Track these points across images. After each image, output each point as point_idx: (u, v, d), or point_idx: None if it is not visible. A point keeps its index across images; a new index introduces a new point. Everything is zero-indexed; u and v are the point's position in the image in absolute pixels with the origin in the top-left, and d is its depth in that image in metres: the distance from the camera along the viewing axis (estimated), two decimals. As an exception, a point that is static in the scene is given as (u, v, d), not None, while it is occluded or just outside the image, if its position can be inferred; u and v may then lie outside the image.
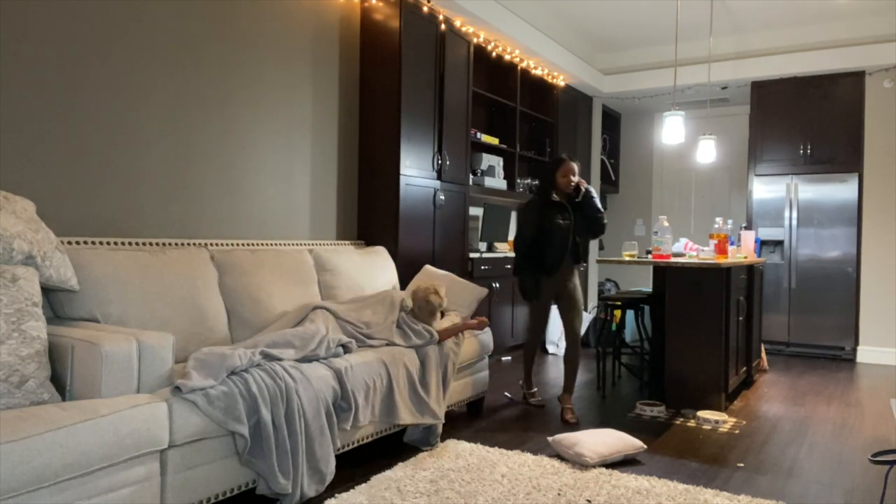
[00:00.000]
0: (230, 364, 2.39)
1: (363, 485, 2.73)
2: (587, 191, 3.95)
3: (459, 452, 3.15)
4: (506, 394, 4.42)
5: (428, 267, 4.25)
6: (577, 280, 4.04)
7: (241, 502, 2.54)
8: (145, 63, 3.21)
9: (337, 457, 2.74)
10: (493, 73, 6.10)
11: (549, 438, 3.24)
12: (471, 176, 5.42)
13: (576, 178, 3.92)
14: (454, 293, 3.93)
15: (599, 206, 3.97)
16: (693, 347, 4.09)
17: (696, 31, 6.29)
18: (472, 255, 5.23)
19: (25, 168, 2.74)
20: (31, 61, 2.76)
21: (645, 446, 3.18)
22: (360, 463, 3.02)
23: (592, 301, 7.48)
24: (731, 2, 5.75)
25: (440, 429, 3.28)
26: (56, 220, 2.80)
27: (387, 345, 3.21)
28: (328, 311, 3.17)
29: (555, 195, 3.93)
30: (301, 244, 3.95)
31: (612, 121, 8.21)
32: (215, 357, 2.39)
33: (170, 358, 2.25)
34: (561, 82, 6.71)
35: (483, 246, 5.73)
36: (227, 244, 3.46)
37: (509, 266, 5.73)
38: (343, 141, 4.49)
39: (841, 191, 6.18)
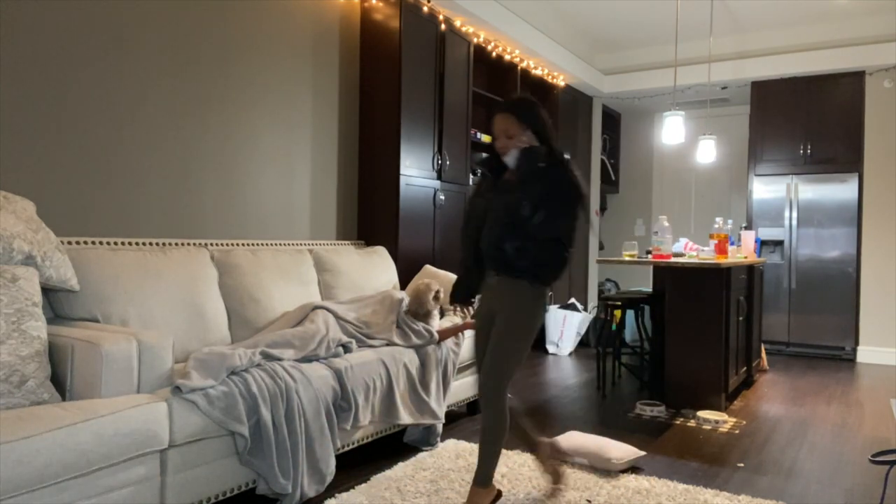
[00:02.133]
0: (230, 364, 2.39)
1: (363, 485, 2.73)
2: (519, 155, 2.41)
3: (459, 452, 3.15)
4: (506, 394, 4.42)
5: (428, 267, 4.25)
6: (517, 305, 2.40)
7: (241, 502, 2.54)
8: (145, 63, 3.21)
9: (337, 457, 2.74)
10: (493, 73, 6.10)
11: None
12: (471, 176, 5.42)
13: (504, 141, 2.44)
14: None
15: (535, 186, 2.34)
16: (693, 347, 4.09)
17: (696, 31, 6.29)
18: (472, 255, 5.22)
19: (25, 168, 2.74)
20: (31, 62, 2.75)
21: (621, 458, 2.96)
22: (360, 463, 3.02)
23: (592, 301, 7.49)
24: (731, 2, 5.75)
25: (440, 429, 3.28)
26: (56, 220, 2.80)
27: (387, 345, 3.21)
28: (328, 311, 3.17)
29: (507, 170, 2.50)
30: (301, 244, 3.95)
31: (612, 121, 8.21)
32: (215, 357, 2.39)
33: (170, 358, 2.25)
34: (561, 82, 6.71)
35: (483, 246, 5.73)
36: (227, 244, 3.46)
37: (509, 266, 5.72)
38: (343, 141, 4.49)
39: (841, 191, 6.17)
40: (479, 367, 2.50)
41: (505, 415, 2.41)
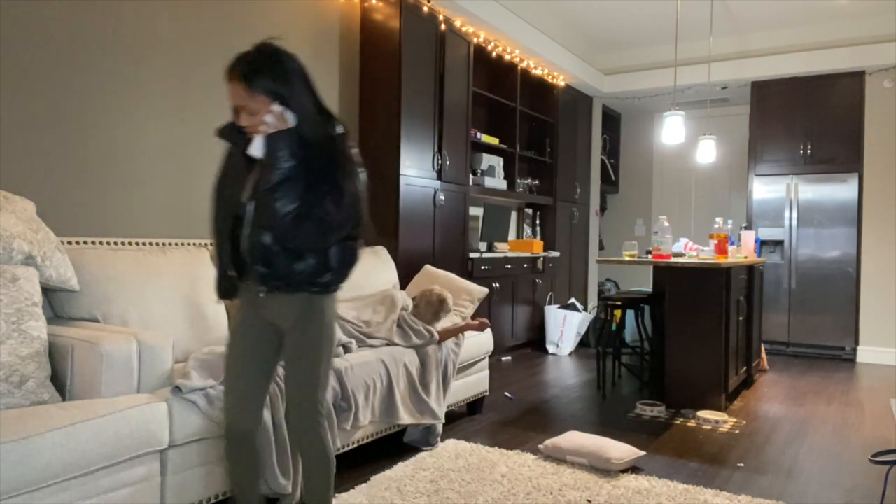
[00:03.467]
0: (230, 364, 2.39)
1: (363, 485, 2.73)
2: (266, 148, 1.77)
3: (459, 452, 3.15)
4: (506, 394, 4.42)
5: (428, 267, 4.25)
6: (310, 328, 1.91)
7: (241, 502, 2.54)
8: (145, 63, 3.21)
9: (337, 457, 2.74)
10: (493, 73, 6.10)
11: (540, 446, 3.21)
12: (471, 176, 5.43)
13: (247, 119, 1.78)
14: (453, 293, 3.92)
15: (282, 173, 1.75)
16: (693, 347, 4.09)
17: (696, 31, 6.29)
18: (472, 255, 5.23)
19: (25, 168, 2.74)
20: (31, 62, 2.75)
21: (621, 458, 2.99)
22: (360, 463, 3.02)
23: (592, 301, 7.49)
24: (731, 2, 5.75)
25: (440, 429, 3.28)
26: (56, 220, 2.80)
27: (387, 345, 3.21)
28: (328, 311, 3.16)
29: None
30: (301, 244, 3.95)
31: (612, 121, 8.21)
32: (215, 357, 2.39)
33: (170, 358, 2.25)
34: (561, 82, 6.71)
35: (483, 246, 5.74)
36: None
37: (509, 266, 5.73)
38: (343, 141, 4.49)
39: (841, 191, 6.17)
40: (236, 390, 1.96)
41: (330, 449, 1.98)
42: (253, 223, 1.82)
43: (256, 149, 1.78)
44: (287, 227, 1.76)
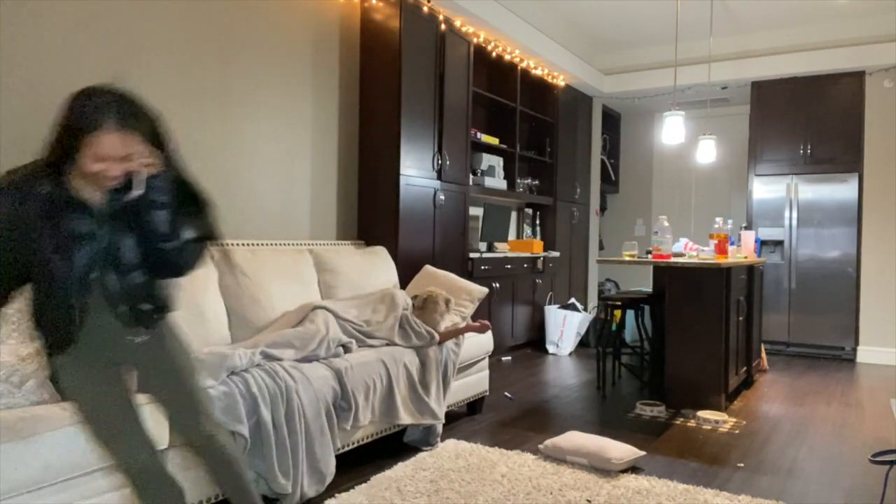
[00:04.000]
0: (230, 364, 2.40)
1: (363, 485, 2.73)
2: (149, 184, 1.67)
3: (459, 452, 3.15)
4: (506, 394, 4.42)
5: (428, 267, 4.25)
6: (178, 338, 1.87)
7: (241, 502, 2.54)
8: (144, 62, 3.21)
9: (337, 457, 2.75)
10: (493, 73, 6.10)
11: (540, 446, 3.20)
12: (471, 176, 5.43)
13: (118, 168, 1.60)
14: (453, 293, 3.93)
15: (166, 215, 1.69)
16: (693, 347, 4.09)
17: (696, 31, 6.29)
18: (472, 255, 5.23)
19: (25, 168, 2.74)
20: (30, 60, 2.75)
21: (621, 458, 3.00)
22: (360, 463, 3.02)
23: (592, 301, 7.49)
24: (731, 2, 5.75)
25: (440, 429, 3.28)
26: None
27: (387, 345, 3.21)
28: (328, 311, 3.17)
29: (74, 184, 1.66)
30: (301, 244, 3.95)
31: (612, 121, 8.21)
32: (215, 357, 2.39)
33: (170, 358, 2.25)
34: (561, 82, 6.71)
35: (483, 246, 5.74)
36: (226, 244, 3.46)
37: (509, 266, 5.73)
38: (343, 141, 4.49)
39: (841, 191, 6.17)
40: (122, 440, 1.77)
41: (234, 446, 1.95)
42: (125, 269, 1.69)
43: (137, 189, 1.66)
44: (188, 262, 1.75)
